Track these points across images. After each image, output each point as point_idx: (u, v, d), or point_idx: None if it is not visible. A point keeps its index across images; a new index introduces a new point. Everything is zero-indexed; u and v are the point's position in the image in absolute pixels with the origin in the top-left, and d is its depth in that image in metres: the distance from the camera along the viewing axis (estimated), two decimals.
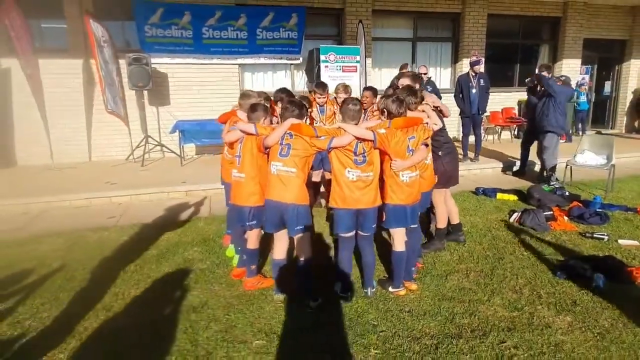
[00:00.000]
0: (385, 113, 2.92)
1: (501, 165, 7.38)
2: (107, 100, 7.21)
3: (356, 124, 2.86)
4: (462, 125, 7.46)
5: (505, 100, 10.48)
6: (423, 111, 3.20)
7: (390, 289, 3.09)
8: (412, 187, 2.92)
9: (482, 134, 10.09)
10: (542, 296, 3.03)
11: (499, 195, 5.47)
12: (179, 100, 8.49)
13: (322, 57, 8.07)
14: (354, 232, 2.95)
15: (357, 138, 2.75)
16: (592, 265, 3.32)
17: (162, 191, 5.91)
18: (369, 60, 9.28)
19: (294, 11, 8.73)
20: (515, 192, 5.56)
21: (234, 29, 8.51)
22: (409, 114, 3.04)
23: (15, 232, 4.55)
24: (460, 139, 7.75)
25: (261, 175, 3.00)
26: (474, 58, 7.23)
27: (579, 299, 2.99)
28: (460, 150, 7.60)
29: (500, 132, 10.27)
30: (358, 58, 8.35)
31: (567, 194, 5.29)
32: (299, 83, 9.37)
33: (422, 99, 3.38)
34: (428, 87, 6.79)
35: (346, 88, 5.00)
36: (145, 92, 7.83)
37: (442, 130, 3.62)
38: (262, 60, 8.87)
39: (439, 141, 3.61)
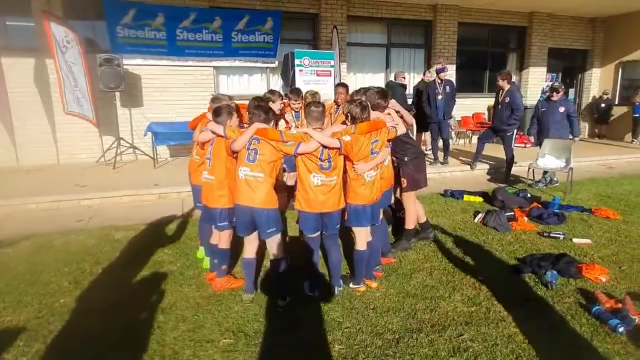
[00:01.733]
0: (350, 117, 3.02)
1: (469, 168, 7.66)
2: (66, 102, 7.05)
3: (321, 126, 2.96)
4: (430, 130, 7.68)
5: (476, 105, 10.83)
6: (389, 114, 3.33)
7: (351, 285, 3.20)
8: (372, 186, 3.05)
9: (454, 138, 10.51)
10: (499, 292, 3.20)
11: (466, 197, 5.68)
12: (153, 102, 8.40)
13: (297, 62, 8.15)
14: (319, 232, 3.05)
15: (323, 146, 2.83)
16: (547, 263, 3.53)
17: (134, 194, 5.85)
18: (343, 65, 9.44)
19: (270, 15, 8.79)
20: (482, 194, 5.78)
21: (209, 32, 8.50)
22: (377, 115, 3.18)
23: None
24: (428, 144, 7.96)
25: (230, 178, 3.05)
26: (440, 66, 7.48)
27: (532, 294, 3.18)
28: (430, 154, 7.92)
29: (472, 136, 10.60)
30: (332, 62, 8.48)
31: (529, 195, 5.55)
32: (274, 86, 9.41)
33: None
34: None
35: (314, 96, 5.06)
36: (118, 94, 7.73)
37: (408, 135, 3.77)
38: (237, 63, 8.89)
39: (406, 146, 3.76)
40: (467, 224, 4.73)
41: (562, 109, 6.31)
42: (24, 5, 7.32)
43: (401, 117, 3.73)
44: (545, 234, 4.33)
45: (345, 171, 3.03)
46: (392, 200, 3.79)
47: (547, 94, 6.84)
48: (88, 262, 3.70)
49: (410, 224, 3.94)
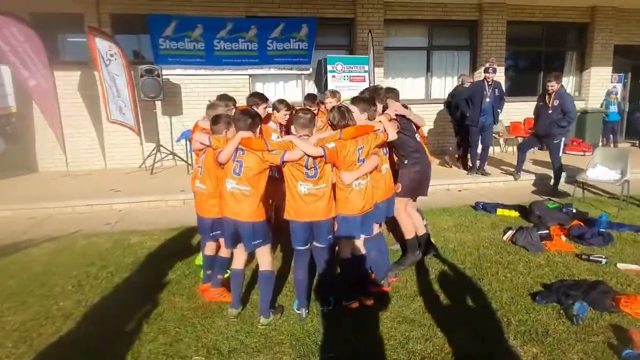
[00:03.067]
0: (331, 125, 2.88)
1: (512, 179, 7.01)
2: (110, 111, 7.51)
3: (308, 133, 2.83)
4: (470, 134, 7.13)
5: (528, 110, 9.96)
6: (380, 122, 3.11)
7: (344, 302, 3.00)
8: (363, 195, 2.87)
9: (502, 145, 9.78)
10: (512, 323, 2.80)
11: (500, 211, 5.18)
12: (191, 110, 8.68)
13: (329, 67, 8.05)
14: (309, 245, 2.89)
15: (307, 154, 2.69)
16: (578, 292, 3.05)
17: (161, 199, 6.05)
18: (380, 70, 9.17)
19: (305, 22, 8.77)
20: (519, 208, 5.24)
21: (245, 41, 8.66)
22: (364, 122, 3.01)
23: (17, 236, 4.78)
24: (457, 148, 7.36)
25: (221, 188, 2.98)
26: (489, 65, 6.94)
27: (552, 328, 2.75)
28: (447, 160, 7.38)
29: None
30: (366, 67, 8.26)
31: (574, 210, 4.92)
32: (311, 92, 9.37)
33: (385, 107, 3.34)
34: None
35: (334, 94, 4.91)
36: (158, 103, 8.11)
37: (411, 139, 3.50)
38: (272, 70, 8.96)
39: (407, 150, 3.51)
40: (493, 242, 4.28)
41: None
42: (78, 24, 7.93)
43: (408, 120, 3.51)
44: (584, 257, 3.78)
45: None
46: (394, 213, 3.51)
47: None
48: (96, 266, 3.82)
49: (407, 234, 3.64)
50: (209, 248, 3.26)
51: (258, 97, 3.88)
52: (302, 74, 9.21)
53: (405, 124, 3.51)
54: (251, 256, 3.06)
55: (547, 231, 4.16)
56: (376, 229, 3.33)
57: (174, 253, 4.11)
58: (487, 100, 6.83)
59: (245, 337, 2.69)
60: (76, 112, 8.09)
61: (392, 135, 3.09)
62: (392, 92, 3.72)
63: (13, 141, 7.85)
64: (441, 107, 9.70)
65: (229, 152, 2.74)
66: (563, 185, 6.31)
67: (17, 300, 3.21)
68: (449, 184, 6.86)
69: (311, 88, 9.30)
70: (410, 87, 9.88)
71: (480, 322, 2.83)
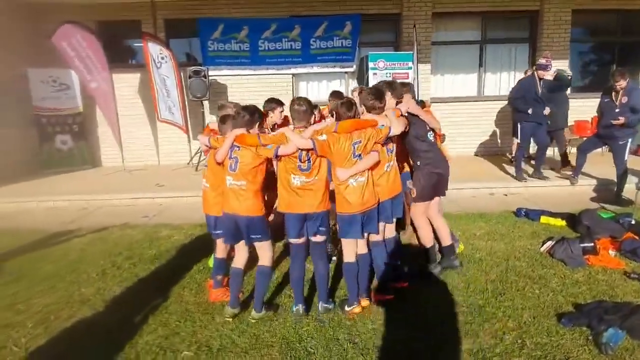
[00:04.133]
0: (335, 115, 2.79)
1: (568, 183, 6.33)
2: (159, 110, 7.97)
3: (305, 125, 2.80)
4: (521, 134, 6.49)
5: (595, 108, 8.96)
6: (385, 115, 2.94)
7: (345, 307, 2.91)
8: (361, 192, 2.74)
9: (566, 146, 8.90)
10: (527, 346, 2.50)
11: (544, 219, 4.69)
12: None
13: (371, 65, 7.85)
14: (304, 239, 2.86)
15: (297, 147, 2.67)
16: (615, 316, 2.65)
17: (197, 194, 6.25)
18: (426, 66, 8.78)
19: (348, 19, 8.64)
20: (568, 216, 4.69)
21: (288, 40, 8.74)
22: (368, 116, 2.91)
23: (66, 225, 5.24)
24: (515, 151, 6.72)
25: (223, 185, 3.01)
26: (543, 61, 6.31)
27: (574, 356, 2.41)
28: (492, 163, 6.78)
29: None
30: (410, 64, 7.94)
31: (632, 222, 4.30)
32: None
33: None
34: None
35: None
36: (206, 103, 8.47)
37: (420, 141, 3.30)
38: (315, 69, 8.95)
39: (418, 151, 3.33)
40: (527, 253, 3.87)
41: None
42: (136, 29, 8.52)
43: (422, 120, 3.30)
44: (633, 276, 3.29)
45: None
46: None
47: None
48: (122, 256, 4.06)
49: (425, 242, 3.41)
50: (220, 250, 3.27)
51: (275, 102, 3.87)
52: (346, 72, 9.10)
53: (418, 123, 3.29)
54: (253, 259, 3.04)
55: (591, 244, 3.67)
56: (390, 231, 3.17)
57: (196, 248, 4.25)
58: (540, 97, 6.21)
59: (237, 336, 2.69)
60: (133, 111, 8.71)
61: (395, 130, 2.91)
62: (407, 87, 3.51)
63: (80, 138, 8.65)
64: (495, 104, 9.08)
65: (225, 150, 2.78)
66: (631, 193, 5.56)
67: (48, 284, 3.51)
68: (493, 187, 6.38)
69: (356, 86, 9.14)
70: (461, 83, 9.35)
71: (490, 342, 2.56)
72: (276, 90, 8.92)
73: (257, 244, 2.88)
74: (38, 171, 8.10)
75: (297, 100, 2.83)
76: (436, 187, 3.37)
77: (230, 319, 2.88)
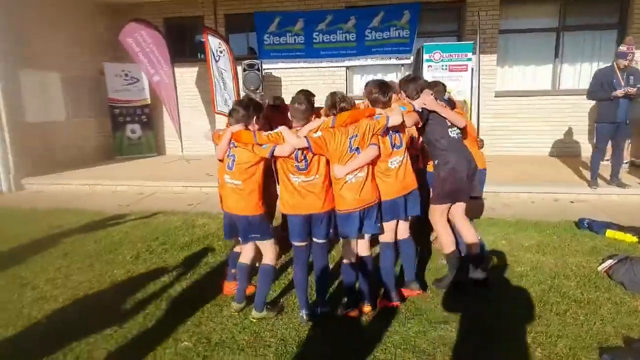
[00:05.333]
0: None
1: None
2: (216, 103, 8.25)
3: (304, 124, 2.69)
4: (597, 134, 5.70)
5: None
6: (392, 108, 2.76)
7: (342, 310, 2.81)
8: (360, 188, 2.60)
9: None
10: None
11: (610, 233, 4.05)
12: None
13: (426, 56, 7.38)
14: (307, 242, 2.76)
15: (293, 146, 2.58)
16: None
17: None
18: (491, 57, 8.08)
19: (407, 8, 8.23)
20: None
21: (343, 32, 8.56)
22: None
23: (121, 208, 5.66)
24: (591, 154, 5.87)
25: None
26: (624, 48, 5.47)
27: None
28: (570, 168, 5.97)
29: None
30: (470, 55, 7.33)
31: None
32: None
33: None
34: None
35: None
36: (259, 95, 8.63)
37: (442, 136, 3.03)
38: (370, 61, 8.68)
39: (436, 149, 3.08)
40: (580, 271, 3.36)
41: None
42: (199, 25, 8.90)
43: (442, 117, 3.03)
44: None
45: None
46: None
47: None
48: (158, 241, 4.26)
49: (445, 247, 3.11)
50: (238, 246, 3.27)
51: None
52: (402, 64, 8.71)
53: (436, 120, 3.00)
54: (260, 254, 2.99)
55: None
56: (404, 231, 2.94)
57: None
58: (621, 91, 5.36)
59: (238, 332, 2.66)
60: (193, 103, 9.17)
61: (393, 120, 2.69)
62: (436, 86, 3.24)
63: (147, 128, 9.32)
64: (574, 99, 8.07)
65: (223, 147, 2.74)
66: None
67: (87, 262, 3.80)
68: (560, 192, 5.68)
69: None
70: (532, 76, 8.50)
71: None
72: (330, 84, 8.83)
73: (258, 243, 2.84)
74: (111, 157, 8.92)
75: (297, 98, 2.72)
76: (454, 191, 3.04)
77: (237, 314, 2.87)
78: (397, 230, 2.93)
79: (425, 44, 7.46)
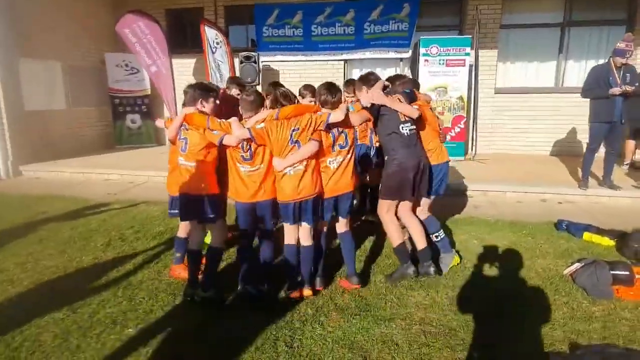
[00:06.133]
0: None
1: None
2: None
3: (252, 116, 2.79)
4: (591, 134, 5.51)
5: None
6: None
7: (285, 289, 2.97)
8: (295, 182, 2.68)
9: None
10: None
11: (587, 236, 3.93)
12: None
13: (422, 50, 7.26)
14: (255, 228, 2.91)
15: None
16: None
17: None
18: (492, 52, 7.90)
19: (407, 1, 8.10)
20: (620, 235, 3.85)
21: (342, 25, 8.49)
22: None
23: (109, 196, 5.75)
24: (584, 154, 5.67)
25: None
26: (622, 45, 5.25)
27: None
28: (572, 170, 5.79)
29: None
30: (468, 50, 7.17)
31: None
32: None
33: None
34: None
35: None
36: (258, 88, 8.64)
37: (394, 130, 3.01)
38: (368, 54, 8.59)
39: (386, 144, 3.09)
40: (546, 274, 3.27)
41: None
42: (199, 16, 8.93)
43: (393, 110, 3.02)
44: None
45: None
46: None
47: None
48: (132, 230, 4.34)
49: (393, 240, 3.12)
50: (181, 230, 3.31)
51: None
52: (401, 58, 8.58)
53: (388, 116, 2.96)
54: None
55: (626, 272, 2.97)
56: (341, 226, 3.02)
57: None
58: (616, 90, 5.15)
59: (181, 317, 2.71)
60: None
61: (334, 118, 2.71)
62: (401, 79, 3.19)
63: (147, 118, 9.44)
64: (578, 97, 7.79)
65: (174, 129, 2.83)
66: None
67: (59, 248, 3.89)
68: (549, 192, 5.53)
69: (407, 74, 8.58)
70: (534, 72, 8.28)
71: None
72: (327, 77, 8.75)
73: (210, 225, 2.94)
74: (112, 146, 9.08)
75: (246, 90, 2.79)
76: (398, 188, 3.00)
77: (189, 299, 2.91)
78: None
79: (422, 37, 7.33)
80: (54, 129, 7.86)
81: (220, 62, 8.32)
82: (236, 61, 8.43)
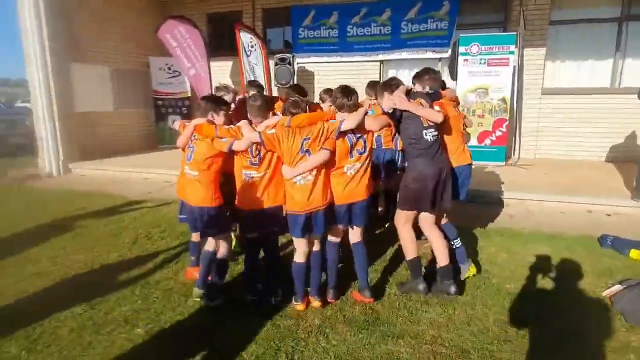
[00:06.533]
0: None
1: None
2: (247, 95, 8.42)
3: (262, 120, 2.77)
4: None
5: None
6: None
7: (293, 300, 2.86)
8: (305, 192, 2.59)
9: None
10: None
11: (634, 253, 3.53)
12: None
13: (462, 49, 6.93)
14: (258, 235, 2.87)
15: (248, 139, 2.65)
16: None
17: None
18: (540, 51, 7.39)
19: None
20: None
21: (377, 25, 8.32)
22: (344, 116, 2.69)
23: (144, 194, 6.01)
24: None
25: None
26: None
27: None
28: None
29: None
30: (512, 48, 6.75)
31: None
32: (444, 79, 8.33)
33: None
34: None
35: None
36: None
37: (415, 137, 2.85)
38: (405, 55, 8.34)
39: (408, 150, 2.94)
40: (578, 295, 2.96)
41: None
42: (238, 19, 9.12)
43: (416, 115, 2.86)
44: None
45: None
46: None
47: None
48: (159, 229, 4.48)
49: (407, 254, 2.95)
50: (194, 234, 3.33)
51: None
52: (440, 58, 8.25)
53: (410, 121, 2.79)
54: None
55: None
56: (354, 236, 2.87)
57: None
58: None
59: (188, 319, 2.76)
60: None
61: (347, 125, 2.59)
62: (423, 76, 3.04)
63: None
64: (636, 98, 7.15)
65: (184, 138, 2.84)
66: None
67: (90, 244, 4.09)
68: (597, 203, 5.05)
69: (445, 74, 8.24)
70: (588, 72, 7.64)
71: None
72: (363, 78, 8.61)
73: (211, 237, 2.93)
74: (154, 146, 9.51)
75: (252, 96, 2.76)
76: (416, 199, 2.83)
77: (199, 299, 2.95)
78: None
79: (461, 35, 7.00)
80: (101, 130, 8.35)
81: (254, 64, 8.44)
82: (271, 63, 8.52)
